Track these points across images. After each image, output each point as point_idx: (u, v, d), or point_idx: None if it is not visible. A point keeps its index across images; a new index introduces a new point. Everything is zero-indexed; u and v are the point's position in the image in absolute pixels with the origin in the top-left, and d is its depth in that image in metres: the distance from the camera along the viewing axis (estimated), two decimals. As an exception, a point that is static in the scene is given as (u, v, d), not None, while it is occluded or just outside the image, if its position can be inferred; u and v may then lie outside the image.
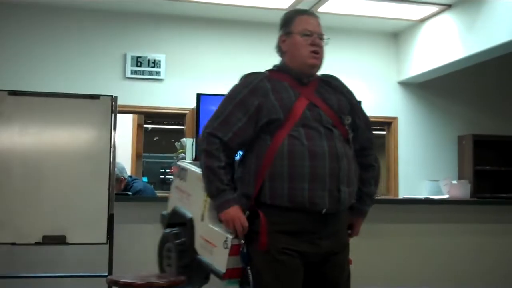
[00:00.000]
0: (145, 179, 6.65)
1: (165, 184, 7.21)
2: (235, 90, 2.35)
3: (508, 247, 4.68)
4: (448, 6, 5.94)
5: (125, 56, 6.15)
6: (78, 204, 3.67)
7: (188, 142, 5.00)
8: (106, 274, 3.50)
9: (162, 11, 6.16)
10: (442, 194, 5.40)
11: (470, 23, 5.68)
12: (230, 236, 2.25)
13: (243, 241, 2.24)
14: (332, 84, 2.43)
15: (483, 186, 6.50)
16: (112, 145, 3.77)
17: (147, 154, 7.43)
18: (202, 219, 2.41)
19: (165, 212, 2.71)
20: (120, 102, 3.91)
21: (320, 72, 2.44)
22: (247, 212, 2.25)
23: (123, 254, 3.74)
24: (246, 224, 2.22)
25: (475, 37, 5.61)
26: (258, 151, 2.27)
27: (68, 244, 3.62)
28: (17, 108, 3.74)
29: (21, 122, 3.74)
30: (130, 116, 6.61)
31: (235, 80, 2.43)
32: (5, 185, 3.63)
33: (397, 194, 6.57)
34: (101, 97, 3.84)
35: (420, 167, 6.71)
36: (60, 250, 3.79)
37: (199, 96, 5.84)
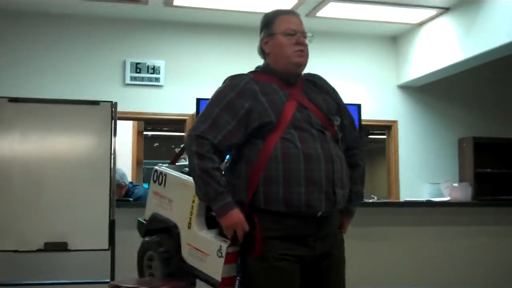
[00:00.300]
0: (145, 185, 6.64)
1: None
2: (221, 92, 2.25)
3: (509, 249, 4.68)
4: (446, 10, 5.95)
5: (124, 62, 6.15)
6: (79, 210, 3.67)
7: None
8: (108, 280, 3.49)
9: (161, 17, 6.17)
10: (443, 197, 5.39)
11: (468, 26, 5.70)
12: (224, 245, 2.15)
13: (238, 249, 2.16)
14: (318, 84, 2.37)
15: (484, 189, 6.49)
16: (112, 151, 3.77)
17: (148, 160, 7.43)
18: (189, 227, 2.28)
19: (142, 219, 2.56)
20: (119, 108, 3.91)
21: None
22: None
23: (125, 260, 3.67)
24: (247, 229, 2.13)
25: (473, 40, 5.63)
26: (248, 155, 2.18)
27: (69, 250, 3.62)
28: (17, 115, 3.75)
29: (21, 129, 3.74)
30: (130, 123, 6.61)
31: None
32: (6, 192, 3.63)
33: (398, 198, 6.56)
34: (101, 103, 3.85)
35: (421, 170, 6.71)
36: (62, 257, 3.78)
37: (198, 100, 5.82)
